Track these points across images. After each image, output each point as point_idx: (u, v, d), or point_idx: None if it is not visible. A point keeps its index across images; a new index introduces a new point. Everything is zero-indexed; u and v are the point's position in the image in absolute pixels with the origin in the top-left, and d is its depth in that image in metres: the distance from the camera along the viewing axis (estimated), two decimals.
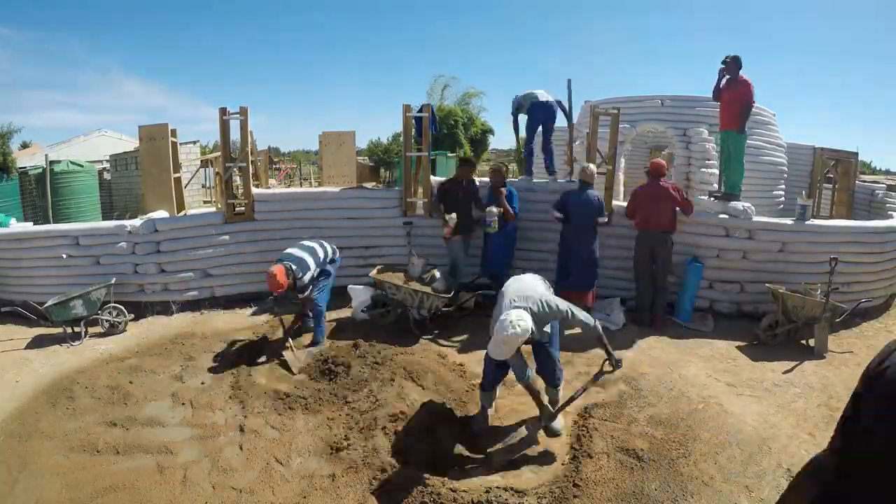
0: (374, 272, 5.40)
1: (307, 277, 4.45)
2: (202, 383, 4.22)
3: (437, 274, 5.46)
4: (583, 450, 3.33)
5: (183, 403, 3.94)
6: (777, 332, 5.10)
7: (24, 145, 22.50)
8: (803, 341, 5.10)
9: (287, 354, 4.51)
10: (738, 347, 4.99)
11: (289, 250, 4.56)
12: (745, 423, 3.67)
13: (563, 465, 3.25)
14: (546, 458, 3.33)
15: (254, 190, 6.19)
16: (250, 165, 6.19)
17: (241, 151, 6.14)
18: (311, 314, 4.80)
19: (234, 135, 6.18)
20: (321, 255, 4.68)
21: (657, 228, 5.39)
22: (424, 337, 5.12)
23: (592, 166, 5.62)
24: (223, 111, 5.91)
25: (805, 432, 3.61)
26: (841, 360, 4.81)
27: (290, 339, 4.65)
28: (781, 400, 4.04)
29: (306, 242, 4.73)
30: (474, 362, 4.64)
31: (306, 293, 4.54)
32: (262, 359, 4.58)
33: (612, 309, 5.67)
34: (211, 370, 4.44)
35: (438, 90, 27.96)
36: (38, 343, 5.15)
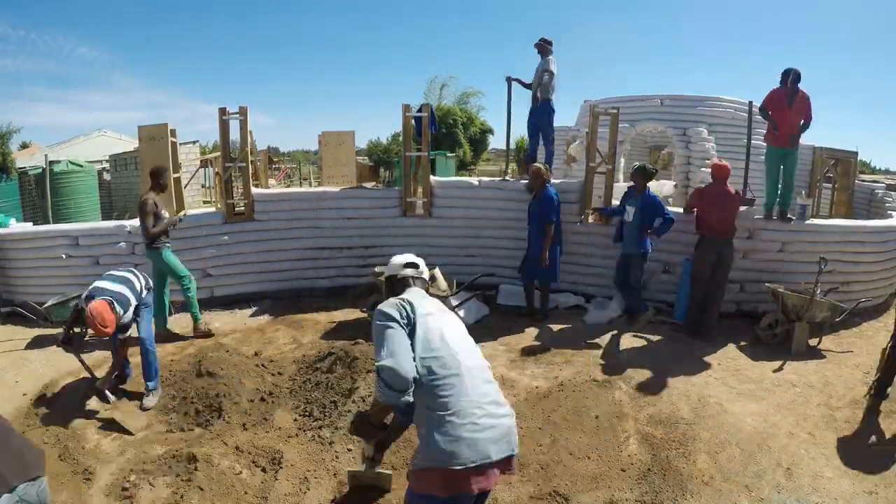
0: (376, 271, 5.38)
1: (129, 314, 3.71)
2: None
3: (438, 273, 5.45)
4: None
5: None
6: (776, 331, 5.10)
7: (24, 145, 22.53)
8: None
9: (116, 415, 3.70)
10: (738, 347, 4.99)
11: (100, 283, 3.69)
12: (745, 423, 3.67)
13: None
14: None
15: (253, 190, 6.19)
16: (250, 165, 6.19)
17: (240, 151, 6.14)
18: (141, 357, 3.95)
19: (234, 135, 6.20)
20: (138, 286, 3.90)
21: (726, 234, 5.16)
22: None
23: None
24: (223, 111, 5.91)
25: (805, 432, 3.61)
26: (841, 359, 4.81)
27: (109, 395, 3.90)
28: (781, 400, 4.04)
29: (117, 273, 3.90)
30: None
31: (128, 332, 3.83)
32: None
33: (607, 304, 5.74)
34: None
35: (436, 90, 28.00)
36: (38, 343, 5.14)
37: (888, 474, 3.20)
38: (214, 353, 4.43)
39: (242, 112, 5.95)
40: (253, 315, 5.81)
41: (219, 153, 7.24)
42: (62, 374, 4.40)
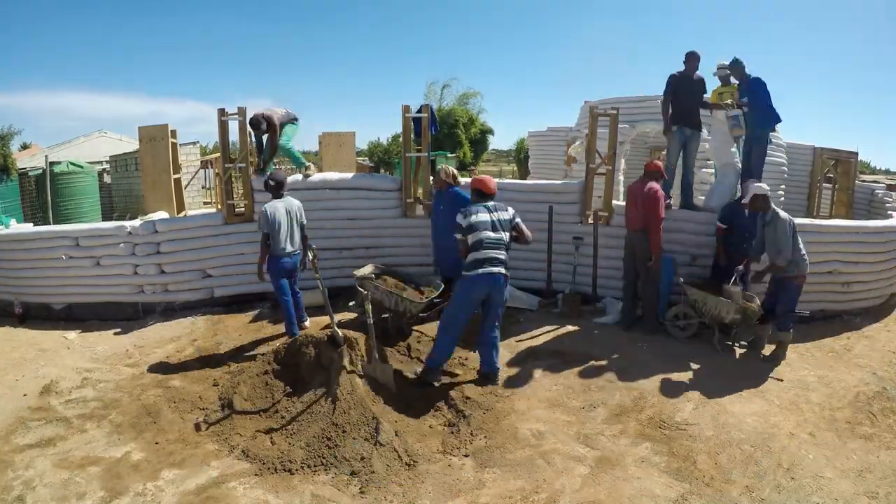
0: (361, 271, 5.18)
1: None
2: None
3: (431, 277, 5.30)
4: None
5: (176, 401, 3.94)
6: (680, 324, 5.13)
7: (25, 146, 22.54)
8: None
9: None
10: (737, 347, 4.98)
11: None
12: (745, 424, 3.66)
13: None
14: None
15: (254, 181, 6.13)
16: (249, 166, 6.18)
17: (240, 152, 6.14)
18: None
19: (234, 136, 6.18)
20: None
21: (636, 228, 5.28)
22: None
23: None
24: (221, 112, 5.90)
25: (805, 432, 3.61)
26: (841, 359, 4.80)
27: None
28: (781, 400, 4.04)
29: None
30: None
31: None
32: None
33: (615, 305, 5.72)
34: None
35: (437, 91, 28.07)
36: (38, 343, 5.15)
37: (888, 474, 3.20)
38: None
39: (241, 113, 5.93)
40: (253, 320, 5.77)
41: (219, 154, 7.23)
42: (62, 374, 4.41)
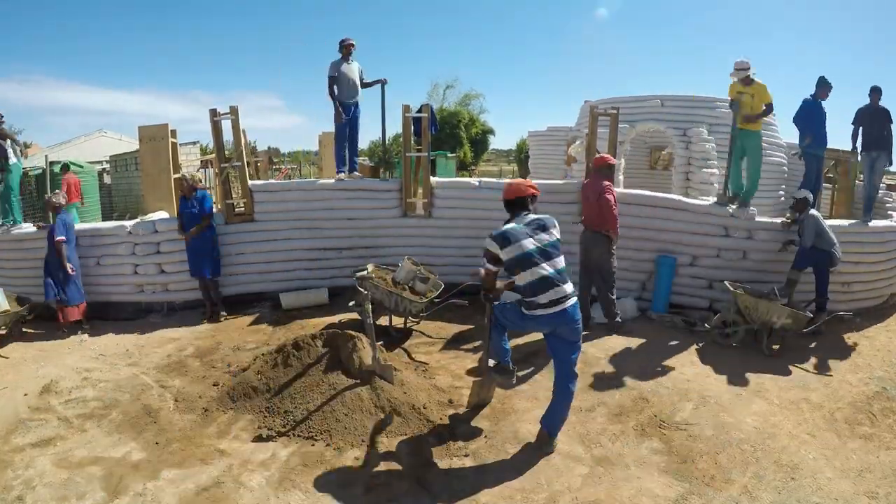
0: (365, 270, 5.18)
1: None
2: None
3: (426, 276, 5.28)
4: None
5: (177, 400, 3.94)
6: (728, 331, 5.03)
7: (25, 145, 22.55)
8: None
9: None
10: (738, 347, 4.98)
11: None
12: (745, 424, 3.66)
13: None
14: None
15: (251, 182, 6.13)
16: (246, 165, 6.17)
17: (234, 151, 6.13)
18: None
19: (228, 135, 6.15)
20: None
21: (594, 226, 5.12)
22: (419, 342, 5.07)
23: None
24: (213, 112, 5.87)
25: (805, 432, 3.61)
26: (841, 360, 4.80)
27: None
28: (781, 400, 4.04)
29: None
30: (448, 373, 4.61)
31: None
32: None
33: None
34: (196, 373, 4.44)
35: (439, 91, 28.10)
36: (37, 344, 5.15)
37: (888, 474, 3.20)
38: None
39: (233, 112, 5.90)
40: (254, 321, 5.76)
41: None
42: (62, 374, 4.40)
